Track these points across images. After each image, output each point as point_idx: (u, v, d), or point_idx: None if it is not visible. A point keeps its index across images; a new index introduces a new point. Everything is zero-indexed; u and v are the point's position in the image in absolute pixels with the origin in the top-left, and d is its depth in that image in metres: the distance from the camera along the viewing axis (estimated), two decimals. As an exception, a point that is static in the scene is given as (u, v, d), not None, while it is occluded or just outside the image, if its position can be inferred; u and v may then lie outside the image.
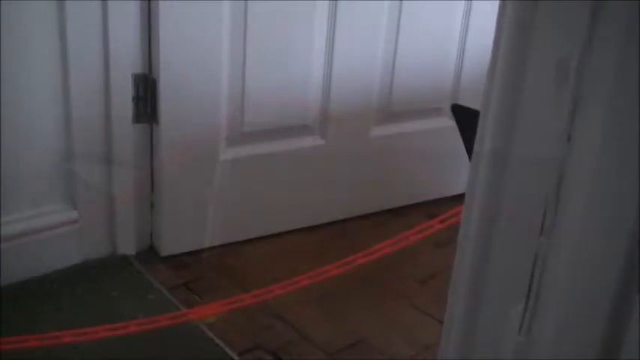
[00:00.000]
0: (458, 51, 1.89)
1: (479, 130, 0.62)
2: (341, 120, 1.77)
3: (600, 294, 0.54)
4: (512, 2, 0.56)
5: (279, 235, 1.79)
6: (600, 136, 0.52)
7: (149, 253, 1.68)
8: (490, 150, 0.59)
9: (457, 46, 1.88)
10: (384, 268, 1.63)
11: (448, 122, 1.88)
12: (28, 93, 1.46)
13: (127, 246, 1.66)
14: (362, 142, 1.84)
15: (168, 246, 1.67)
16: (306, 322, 1.49)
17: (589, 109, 0.52)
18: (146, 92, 1.56)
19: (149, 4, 1.49)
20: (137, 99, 1.56)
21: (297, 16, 1.63)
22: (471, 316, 0.62)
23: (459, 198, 1.55)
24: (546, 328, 0.57)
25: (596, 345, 0.55)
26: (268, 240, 1.77)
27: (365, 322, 1.51)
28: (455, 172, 1.97)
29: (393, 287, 1.64)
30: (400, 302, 1.59)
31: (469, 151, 0.88)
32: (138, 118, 1.58)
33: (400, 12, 1.75)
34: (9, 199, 1.50)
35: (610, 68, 0.51)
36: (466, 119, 1.21)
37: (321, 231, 1.83)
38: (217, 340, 1.41)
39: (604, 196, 0.52)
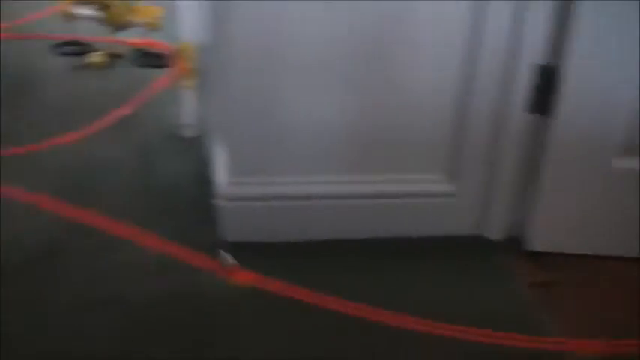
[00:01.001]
0: None
1: None
2: None
3: None
4: None
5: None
6: None
7: (513, 243, 1.67)
8: None
9: None
10: None
11: None
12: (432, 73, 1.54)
13: (494, 231, 1.68)
14: None
15: (535, 241, 1.64)
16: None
17: None
18: (547, 84, 1.52)
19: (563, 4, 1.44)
20: (536, 90, 1.53)
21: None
22: None
23: None
24: None
25: None
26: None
27: None
28: None
29: None
30: None
31: None
32: (533, 108, 1.55)
33: None
34: (398, 162, 1.62)
35: None
36: None
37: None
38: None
39: None
